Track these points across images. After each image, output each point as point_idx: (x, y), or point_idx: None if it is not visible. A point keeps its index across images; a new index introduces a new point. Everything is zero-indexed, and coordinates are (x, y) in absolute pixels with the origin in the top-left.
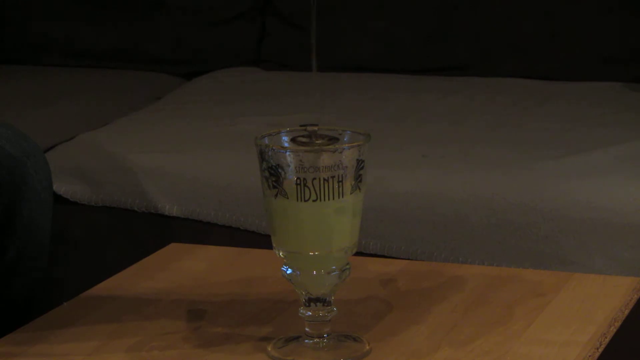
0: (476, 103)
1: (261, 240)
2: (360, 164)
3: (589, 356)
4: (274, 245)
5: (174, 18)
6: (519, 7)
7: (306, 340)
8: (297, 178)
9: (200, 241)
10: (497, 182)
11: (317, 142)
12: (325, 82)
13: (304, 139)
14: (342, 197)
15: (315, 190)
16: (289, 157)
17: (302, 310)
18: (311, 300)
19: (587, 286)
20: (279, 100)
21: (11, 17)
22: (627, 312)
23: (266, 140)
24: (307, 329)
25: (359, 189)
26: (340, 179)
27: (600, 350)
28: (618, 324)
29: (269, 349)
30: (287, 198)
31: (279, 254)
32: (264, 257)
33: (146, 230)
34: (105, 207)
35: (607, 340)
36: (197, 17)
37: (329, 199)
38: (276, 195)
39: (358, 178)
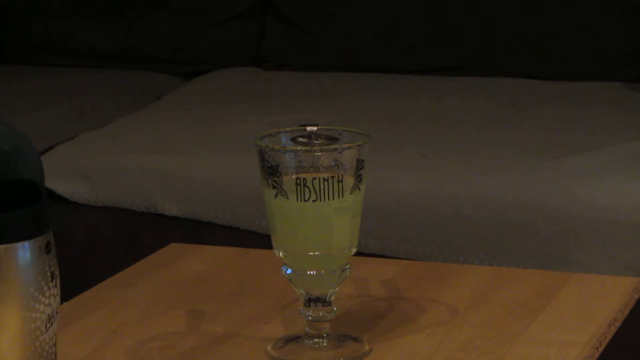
0: (476, 103)
1: (261, 240)
2: (360, 164)
3: (589, 356)
4: (274, 245)
5: (174, 18)
6: (519, 7)
7: (306, 340)
8: (297, 178)
9: (200, 241)
10: (497, 182)
11: (316, 142)
12: (325, 82)
13: (303, 139)
14: (342, 197)
15: (315, 190)
16: (289, 157)
17: (302, 310)
18: (311, 300)
19: (587, 286)
20: (279, 100)
21: (11, 17)
22: (627, 312)
23: (266, 140)
24: (307, 329)
25: (359, 189)
26: (340, 179)
27: (600, 350)
28: (618, 324)
29: (269, 349)
30: (287, 198)
31: (279, 254)
32: (264, 257)
33: (146, 230)
34: (105, 207)
35: (607, 340)
36: (197, 17)
37: (329, 199)
38: (276, 195)
39: (358, 178)
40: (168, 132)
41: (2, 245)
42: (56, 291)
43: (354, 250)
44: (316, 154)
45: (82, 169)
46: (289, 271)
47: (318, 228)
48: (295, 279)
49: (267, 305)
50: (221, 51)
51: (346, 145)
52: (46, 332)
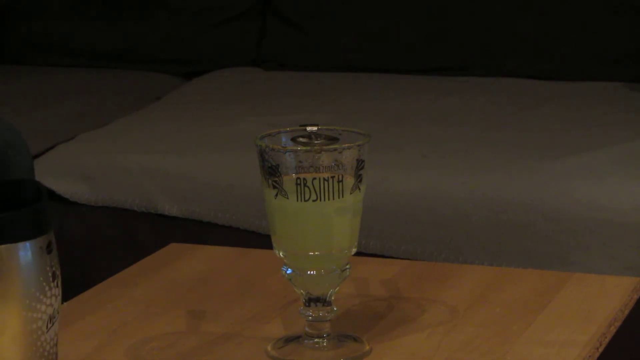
0: (476, 103)
1: (261, 240)
2: (360, 164)
3: (589, 356)
4: (274, 245)
5: (174, 18)
6: (519, 7)
7: (306, 340)
8: (297, 178)
9: (200, 241)
10: (497, 182)
11: (316, 142)
12: (325, 82)
13: (303, 139)
14: (342, 197)
15: (315, 190)
16: (289, 157)
17: (302, 310)
18: (311, 300)
19: (587, 286)
20: (279, 100)
21: (11, 17)
22: (627, 312)
23: (266, 140)
24: (307, 329)
25: (359, 189)
26: (340, 179)
27: (600, 350)
28: (618, 324)
29: (269, 349)
30: (287, 198)
31: (279, 254)
32: (264, 257)
33: (146, 230)
34: (105, 207)
35: (607, 340)
36: (197, 17)
37: (329, 199)
38: (276, 195)
39: (358, 178)
40: (168, 132)
41: (3, 245)
42: (57, 291)
43: (354, 250)
44: (316, 154)
45: (82, 169)
46: (289, 271)
47: (318, 228)
48: (295, 279)
49: (267, 305)
50: (221, 51)
51: (346, 145)
52: (47, 332)
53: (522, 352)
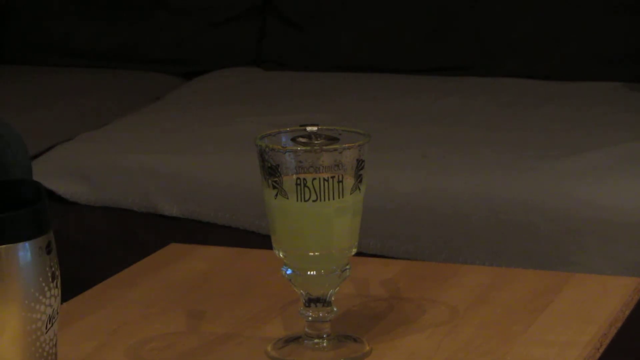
0: (476, 103)
1: (261, 240)
2: (360, 164)
3: (590, 357)
4: (274, 245)
5: (174, 18)
6: (519, 7)
7: (306, 341)
8: (297, 178)
9: (200, 241)
10: (497, 182)
11: (316, 142)
12: (325, 82)
13: (303, 139)
14: (342, 197)
15: (315, 190)
16: (289, 157)
17: (302, 310)
18: (311, 301)
19: (587, 286)
20: (279, 100)
21: (11, 17)
22: (627, 312)
23: (266, 140)
24: (307, 329)
25: (359, 189)
26: (340, 179)
27: (601, 350)
28: (619, 325)
29: (269, 349)
30: (287, 198)
31: (279, 254)
32: (264, 257)
33: (146, 230)
34: (105, 207)
35: (608, 340)
36: (197, 17)
37: (329, 199)
38: (276, 195)
39: (358, 178)
40: (168, 132)
41: (3, 246)
42: (57, 292)
43: (354, 250)
44: (316, 154)
45: (81, 169)
46: (289, 271)
47: (318, 228)
48: (295, 279)
49: (267, 305)
50: (221, 51)
51: (346, 145)
52: (47, 332)
53: (523, 352)
